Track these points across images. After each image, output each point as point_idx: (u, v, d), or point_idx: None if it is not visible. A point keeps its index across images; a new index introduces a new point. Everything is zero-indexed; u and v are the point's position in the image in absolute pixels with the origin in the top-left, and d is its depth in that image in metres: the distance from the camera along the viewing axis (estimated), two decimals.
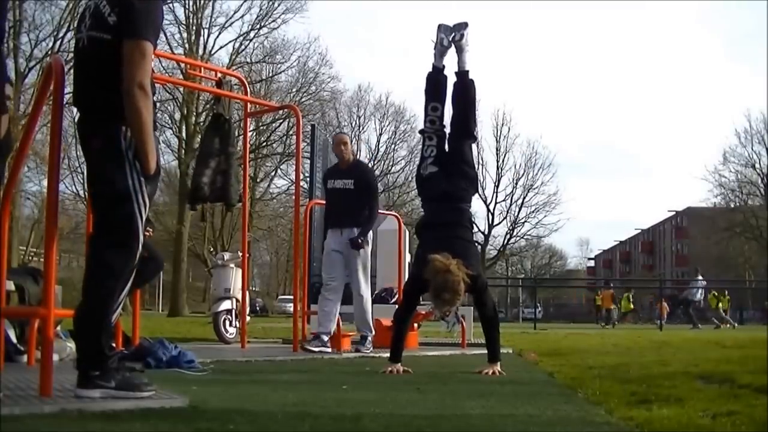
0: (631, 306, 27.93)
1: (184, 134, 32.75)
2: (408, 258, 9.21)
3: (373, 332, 6.89)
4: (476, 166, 5.77)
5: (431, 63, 5.46)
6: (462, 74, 5.41)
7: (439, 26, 5.43)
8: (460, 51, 5.40)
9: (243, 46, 34.72)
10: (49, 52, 26.21)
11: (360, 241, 6.63)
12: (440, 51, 5.41)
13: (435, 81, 5.42)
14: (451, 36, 5.37)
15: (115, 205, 3.04)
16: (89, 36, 3.11)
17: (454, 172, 5.25)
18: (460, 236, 5.08)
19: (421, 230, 5.28)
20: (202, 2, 33.22)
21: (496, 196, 46.51)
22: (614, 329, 20.32)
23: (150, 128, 3.02)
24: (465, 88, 5.41)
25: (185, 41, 32.71)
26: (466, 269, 4.61)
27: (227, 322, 8.04)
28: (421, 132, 5.49)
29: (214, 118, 7.47)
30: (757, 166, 44.81)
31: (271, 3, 34.18)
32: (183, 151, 32.51)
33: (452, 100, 5.43)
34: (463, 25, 5.40)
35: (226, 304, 8.04)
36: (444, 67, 5.44)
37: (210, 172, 7.15)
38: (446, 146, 5.38)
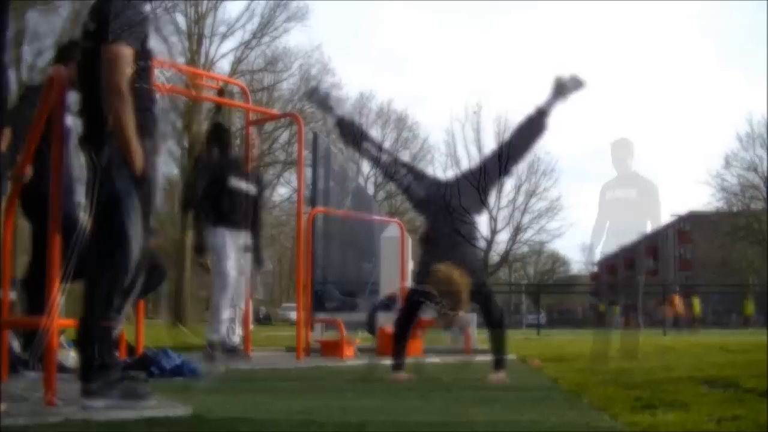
0: (698, 311, 26.14)
1: (186, 143, 32.77)
2: (411, 265, 9.21)
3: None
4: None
5: (333, 121, 5.47)
6: (543, 113, 5.24)
7: (309, 96, 5.64)
8: (558, 93, 5.21)
9: (245, 55, 34.80)
10: (51, 63, 26.24)
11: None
12: (326, 108, 5.51)
13: (349, 130, 5.46)
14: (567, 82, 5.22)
15: (102, 213, 3.05)
16: (81, 47, 3.25)
17: (473, 201, 5.17)
18: (464, 246, 5.07)
19: (425, 240, 5.27)
20: (203, 11, 33.31)
21: (499, 202, 46.58)
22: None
23: (131, 128, 3.03)
24: (538, 128, 5.27)
25: (187, 50, 32.78)
26: (469, 278, 4.62)
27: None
28: (388, 176, 5.50)
29: (213, 128, 7.53)
30: (759, 169, 44.75)
31: (272, 11, 34.28)
32: (185, 159, 32.51)
33: (517, 131, 5.31)
34: (580, 83, 5.23)
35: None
36: (342, 116, 5.44)
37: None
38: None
